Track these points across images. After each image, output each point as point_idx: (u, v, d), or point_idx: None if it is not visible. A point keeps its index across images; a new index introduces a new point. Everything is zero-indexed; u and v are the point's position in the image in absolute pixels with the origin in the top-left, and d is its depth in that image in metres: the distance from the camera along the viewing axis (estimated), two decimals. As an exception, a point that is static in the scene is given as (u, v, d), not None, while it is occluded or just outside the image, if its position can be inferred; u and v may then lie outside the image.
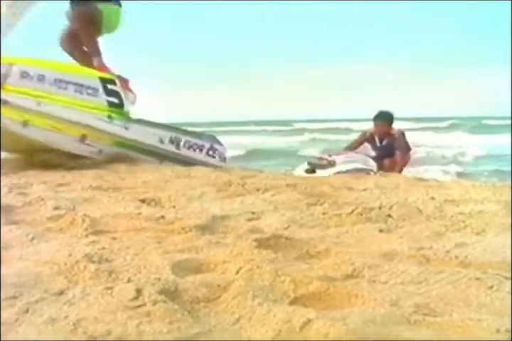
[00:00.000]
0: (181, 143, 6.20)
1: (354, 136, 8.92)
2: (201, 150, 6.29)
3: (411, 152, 8.39)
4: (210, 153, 6.37)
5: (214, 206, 3.01)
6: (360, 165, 7.58)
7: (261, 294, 1.55)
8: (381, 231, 2.41)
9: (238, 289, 1.59)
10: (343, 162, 7.68)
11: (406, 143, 8.16)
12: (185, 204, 3.07)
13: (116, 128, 5.74)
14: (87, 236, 2.33)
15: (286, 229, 2.46)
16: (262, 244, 2.11)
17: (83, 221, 2.51)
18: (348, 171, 7.27)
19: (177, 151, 6.15)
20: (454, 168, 15.09)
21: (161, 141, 6.04)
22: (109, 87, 5.77)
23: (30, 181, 4.00)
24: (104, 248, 2.09)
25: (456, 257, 1.96)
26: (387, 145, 8.04)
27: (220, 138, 6.76)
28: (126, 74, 6.07)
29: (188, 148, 6.25)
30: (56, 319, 1.42)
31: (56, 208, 2.88)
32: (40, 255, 2.03)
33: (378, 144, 8.15)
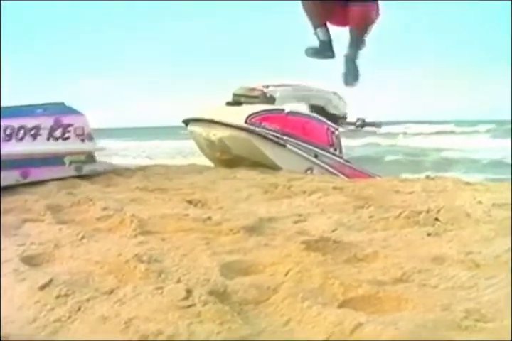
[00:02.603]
0: None
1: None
2: (36, 134, 4.16)
3: None
4: (58, 133, 4.30)
5: (261, 208, 3.02)
6: (311, 114, 5.55)
7: (310, 296, 1.55)
8: (429, 235, 2.38)
9: (288, 291, 1.59)
10: (287, 97, 5.58)
11: None
12: (232, 206, 3.09)
13: None
14: (135, 236, 2.36)
15: (333, 231, 2.45)
16: (310, 246, 2.10)
17: (131, 221, 2.54)
18: (291, 113, 5.47)
19: None
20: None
21: None
22: None
23: (78, 182, 4.06)
24: (153, 248, 2.11)
25: (506, 262, 1.92)
26: None
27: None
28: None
29: (8, 138, 4.02)
30: (108, 317, 1.44)
31: (105, 209, 2.92)
32: (90, 254, 2.06)
33: None
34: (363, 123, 6.38)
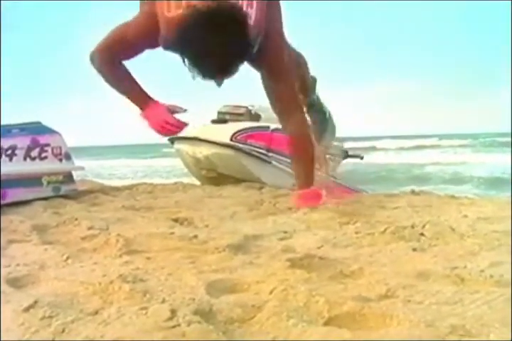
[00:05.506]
0: None
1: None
2: (12, 154, 3.95)
3: None
4: (35, 153, 4.12)
5: (246, 225, 3.01)
6: None
7: (295, 314, 1.55)
8: (414, 250, 2.38)
9: (272, 309, 1.58)
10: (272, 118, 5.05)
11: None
12: (218, 224, 3.08)
13: None
14: (121, 256, 2.35)
15: (319, 248, 2.45)
16: (295, 263, 2.10)
17: (117, 241, 2.53)
18: (276, 130, 5.23)
19: None
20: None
21: None
22: None
23: (64, 202, 4.04)
24: (138, 268, 2.11)
25: (491, 276, 1.92)
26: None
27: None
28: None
29: None
30: (92, 339, 1.43)
31: (90, 228, 2.91)
32: (75, 275, 2.05)
33: None
34: (346, 155, 6.45)
